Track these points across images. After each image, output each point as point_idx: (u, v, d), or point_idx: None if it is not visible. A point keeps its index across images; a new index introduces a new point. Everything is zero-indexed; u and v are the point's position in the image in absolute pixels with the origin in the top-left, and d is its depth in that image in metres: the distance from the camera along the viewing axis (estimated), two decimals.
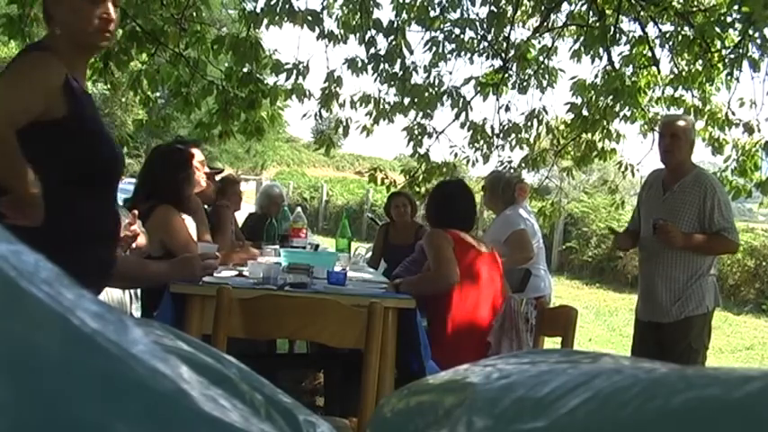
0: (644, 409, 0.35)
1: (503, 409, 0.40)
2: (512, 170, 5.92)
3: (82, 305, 0.35)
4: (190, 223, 3.27)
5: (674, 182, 3.49)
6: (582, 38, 5.77)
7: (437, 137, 6.06)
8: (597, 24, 5.51)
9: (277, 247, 3.87)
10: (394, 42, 5.52)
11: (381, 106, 5.82)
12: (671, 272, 3.43)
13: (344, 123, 5.84)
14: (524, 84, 6.00)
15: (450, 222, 3.22)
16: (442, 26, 5.84)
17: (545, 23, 6.11)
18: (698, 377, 0.35)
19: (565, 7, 6.06)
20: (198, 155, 3.61)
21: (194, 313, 2.43)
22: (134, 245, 2.54)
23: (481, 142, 6.09)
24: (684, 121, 3.64)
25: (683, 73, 5.49)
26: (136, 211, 2.61)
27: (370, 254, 5.80)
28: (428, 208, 3.62)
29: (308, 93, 5.20)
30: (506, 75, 6.02)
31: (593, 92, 5.77)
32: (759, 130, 5.46)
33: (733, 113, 5.57)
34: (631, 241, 3.83)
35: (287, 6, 4.81)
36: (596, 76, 5.82)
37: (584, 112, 5.80)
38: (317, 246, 4.41)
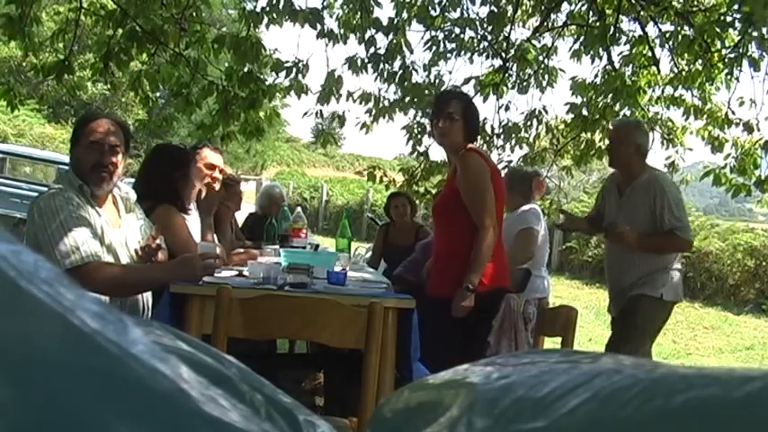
0: (644, 409, 0.35)
1: (503, 409, 0.40)
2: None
3: (82, 305, 0.35)
4: (195, 220, 3.27)
5: (626, 185, 3.60)
6: (582, 38, 5.78)
7: None
8: (597, 24, 5.51)
9: (277, 247, 3.87)
10: (394, 41, 5.51)
11: (381, 104, 5.81)
12: (628, 269, 3.55)
13: (341, 115, 5.82)
14: (524, 84, 6.00)
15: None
16: (442, 25, 5.84)
17: (545, 23, 6.10)
18: (698, 377, 0.35)
19: (565, 7, 6.07)
20: (218, 159, 3.63)
21: (194, 313, 2.42)
22: (154, 259, 2.54)
23: (480, 141, 6.08)
24: (622, 127, 3.76)
25: (683, 73, 5.50)
26: (159, 226, 2.62)
27: (370, 254, 5.80)
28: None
29: (305, 88, 5.19)
30: (506, 74, 6.02)
31: (592, 91, 5.77)
32: (759, 129, 5.47)
33: (733, 113, 5.58)
34: (586, 225, 4.07)
35: (288, 5, 4.81)
36: (596, 76, 5.82)
37: (584, 112, 5.80)
38: (317, 246, 4.40)
